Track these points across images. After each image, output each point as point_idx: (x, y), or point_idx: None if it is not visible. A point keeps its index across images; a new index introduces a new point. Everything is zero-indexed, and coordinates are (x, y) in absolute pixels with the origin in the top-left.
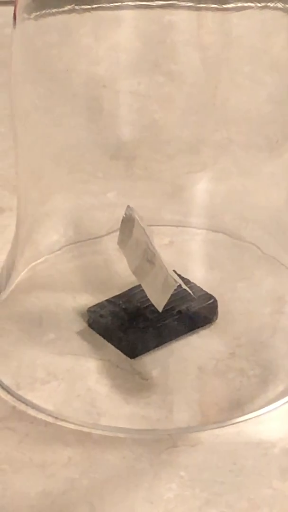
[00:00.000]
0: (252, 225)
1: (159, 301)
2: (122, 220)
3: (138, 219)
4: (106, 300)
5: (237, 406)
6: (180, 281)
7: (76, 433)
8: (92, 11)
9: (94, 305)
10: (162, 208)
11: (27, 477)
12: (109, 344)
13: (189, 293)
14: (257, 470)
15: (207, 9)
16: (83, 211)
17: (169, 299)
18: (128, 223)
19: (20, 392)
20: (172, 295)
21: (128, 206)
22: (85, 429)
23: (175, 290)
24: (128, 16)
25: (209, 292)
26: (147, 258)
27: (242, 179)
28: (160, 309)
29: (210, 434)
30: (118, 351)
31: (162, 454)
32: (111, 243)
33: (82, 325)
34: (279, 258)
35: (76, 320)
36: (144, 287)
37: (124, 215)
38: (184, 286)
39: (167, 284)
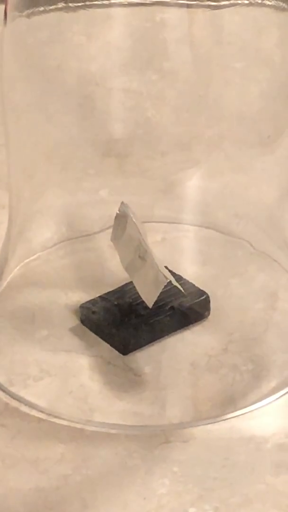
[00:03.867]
0: (244, 221)
1: (149, 297)
2: (116, 217)
3: (131, 215)
4: (99, 296)
5: (229, 402)
6: (170, 278)
7: (69, 430)
8: (84, 9)
9: (87, 302)
10: (155, 204)
11: (20, 473)
12: (102, 341)
13: (180, 289)
14: (250, 465)
15: (198, 6)
16: (76, 208)
17: (162, 295)
18: (121, 219)
19: (12, 389)
20: (164, 291)
21: (122, 203)
22: (78, 426)
23: (167, 286)
24: (120, 14)
25: (201, 288)
26: (139, 255)
27: (234, 176)
28: (150, 305)
29: (203, 430)
30: (110, 347)
31: (155, 450)
32: (103, 240)
33: (74, 321)
34: (271, 254)
35: (69, 316)
36: (135, 283)
37: (118, 212)
38: (174, 283)
39: (158, 281)
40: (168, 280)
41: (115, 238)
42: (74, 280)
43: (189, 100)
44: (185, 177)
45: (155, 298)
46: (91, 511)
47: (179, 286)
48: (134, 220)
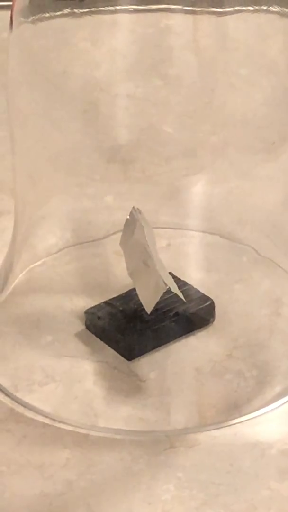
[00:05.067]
0: (249, 227)
1: (148, 303)
2: (126, 221)
3: (141, 220)
4: (104, 302)
5: (234, 408)
6: (171, 285)
7: (73, 435)
8: (89, 15)
9: (92, 307)
10: (160, 210)
11: (25, 478)
12: (107, 346)
13: (180, 297)
14: (254, 471)
15: (203, 12)
16: (81, 214)
17: (166, 301)
18: (131, 224)
19: (18, 394)
20: (169, 297)
21: (134, 208)
22: (83, 431)
23: (170, 292)
24: (125, 20)
25: (206, 294)
26: (143, 260)
27: (239, 182)
28: (148, 311)
29: (208, 435)
30: (115, 353)
31: (159, 456)
32: (108, 246)
33: (79, 327)
34: (275, 260)
35: (74, 322)
36: (137, 288)
37: (128, 217)
38: (174, 290)
39: (158, 287)
40: (168, 287)
41: (123, 242)
42: (79, 286)
43: (194, 106)
44: (190, 183)
45: (154, 304)
46: None
47: (179, 293)
48: (142, 225)
